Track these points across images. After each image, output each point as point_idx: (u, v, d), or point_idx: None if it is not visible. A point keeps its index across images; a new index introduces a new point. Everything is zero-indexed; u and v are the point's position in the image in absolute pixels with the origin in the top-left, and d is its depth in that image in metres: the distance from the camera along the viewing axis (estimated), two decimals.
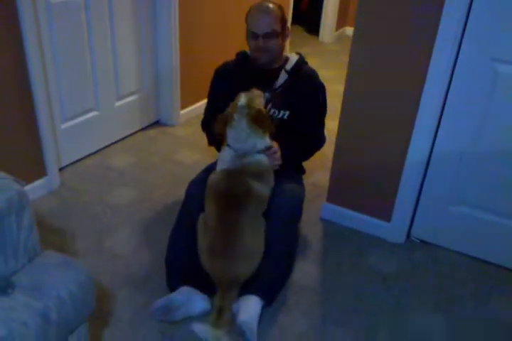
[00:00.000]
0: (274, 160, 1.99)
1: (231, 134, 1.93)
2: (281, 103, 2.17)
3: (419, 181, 2.31)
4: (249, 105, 1.90)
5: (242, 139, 1.91)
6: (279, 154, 2.00)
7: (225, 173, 1.93)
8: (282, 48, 2.21)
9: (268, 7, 2.12)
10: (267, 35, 2.09)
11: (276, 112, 2.17)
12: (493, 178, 2.17)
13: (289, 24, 2.23)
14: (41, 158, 2.58)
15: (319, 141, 2.30)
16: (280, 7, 2.16)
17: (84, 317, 1.46)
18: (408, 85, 2.13)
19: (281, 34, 2.15)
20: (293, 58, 2.22)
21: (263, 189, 1.93)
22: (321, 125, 2.29)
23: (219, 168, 1.97)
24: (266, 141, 1.95)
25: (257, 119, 1.89)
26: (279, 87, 2.18)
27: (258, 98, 1.99)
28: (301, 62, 2.22)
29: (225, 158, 1.96)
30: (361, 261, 2.31)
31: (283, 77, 2.19)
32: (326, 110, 2.27)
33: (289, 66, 2.19)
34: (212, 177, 1.95)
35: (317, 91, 2.22)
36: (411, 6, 2.00)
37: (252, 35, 2.13)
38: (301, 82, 2.19)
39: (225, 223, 1.85)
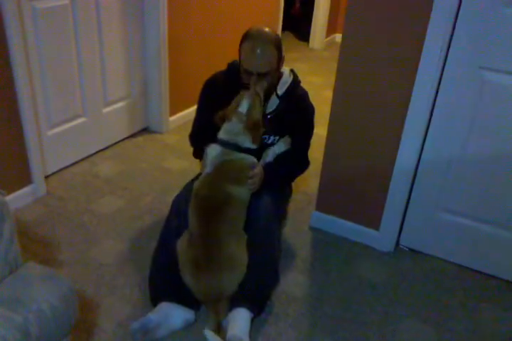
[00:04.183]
0: (250, 185, 1.95)
1: (225, 127, 1.96)
2: (272, 129, 2.11)
3: (408, 189, 2.30)
4: (249, 112, 1.93)
5: (234, 133, 1.93)
6: (257, 179, 1.95)
7: (206, 179, 1.92)
8: (276, 76, 2.10)
9: (264, 44, 1.96)
10: (262, 74, 1.99)
11: (267, 138, 2.13)
12: (481, 186, 2.17)
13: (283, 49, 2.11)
14: (27, 166, 2.54)
15: (304, 163, 2.25)
16: (277, 37, 2.03)
17: (67, 330, 1.43)
18: (396, 92, 2.13)
19: (277, 67, 2.04)
20: (285, 79, 2.12)
21: (242, 193, 1.92)
22: (307, 149, 2.23)
23: (203, 172, 1.95)
24: (253, 145, 1.97)
25: (251, 129, 1.93)
26: (270, 113, 2.12)
27: (258, 106, 1.97)
28: (294, 85, 2.13)
29: (207, 158, 1.95)
30: (350, 270, 2.29)
31: (274, 102, 2.11)
32: (312, 132, 2.22)
33: (280, 91, 2.10)
34: (196, 184, 1.94)
35: (306, 115, 2.16)
36: (398, 13, 2.00)
37: (245, 71, 2.01)
38: (292, 106, 2.12)
39: (207, 233, 1.83)
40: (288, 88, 2.12)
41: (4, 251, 1.34)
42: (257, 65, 1.97)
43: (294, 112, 2.13)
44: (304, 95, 2.18)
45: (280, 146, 2.11)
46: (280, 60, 2.05)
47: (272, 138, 2.13)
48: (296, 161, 2.18)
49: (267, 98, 2.10)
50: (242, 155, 1.94)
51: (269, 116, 2.12)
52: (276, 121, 2.12)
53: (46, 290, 1.36)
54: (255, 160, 1.99)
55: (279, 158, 2.12)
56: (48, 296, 1.34)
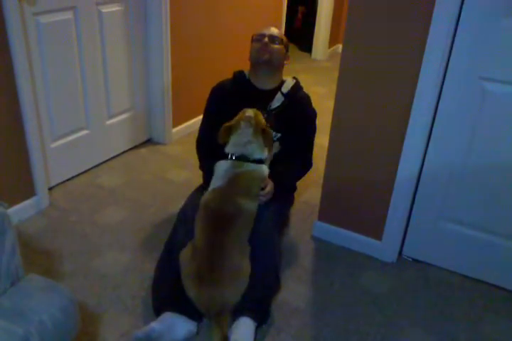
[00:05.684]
0: (261, 202, 2.03)
1: (233, 140, 1.98)
2: (275, 125, 2.19)
3: (410, 199, 2.29)
4: (256, 117, 1.98)
5: (242, 144, 1.96)
6: (267, 198, 2.04)
7: (216, 192, 1.93)
8: (282, 66, 2.27)
9: (275, 38, 2.21)
10: (272, 38, 2.19)
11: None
12: (484, 195, 2.16)
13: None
14: (30, 178, 2.55)
15: (307, 166, 2.33)
16: (284, 36, 2.28)
17: None
18: (397, 102, 2.13)
19: (282, 63, 2.27)
20: (289, 82, 2.27)
21: (252, 205, 1.94)
22: (310, 150, 2.31)
23: (212, 186, 1.97)
24: (264, 153, 2.00)
25: (262, 132, 1.97)
26: (275, 108, 2.20)
27: (261, 115, 2.05)
28: (297, 88, 2.27)
29: (218, 173, 1.97)
30: (353, 281, 2.28)
31: (279, 99, 2.22)
32: (314, 134, 2.31)
33: (285, 89, 2.24)
34: (205, 196, 1.95)
35: (309, 117, 2.27)
36: (398, 24, 2.02)
37: (256, 39, 2.22)
38: (296, 107, 2.22)
39: (213, 244, 1.83)
40: (292, 88, 2.25)
41: (6, 263, 1.34)
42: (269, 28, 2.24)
43: (297, 111, 2.23)
44: (307, 97, 2.30)
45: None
46: (285, 57, 2.27)
47: (274, 134, 2.19)
48: (299, 163, 2.27)
49: (271, 97, 2.22)
50: (253, 166, 1.96)
51: (274, 112, 2.20)
52: (281, 117, 2.21)
53: (48, 301, 1.36)
54: (267, 170, 2.02)
55: (283, 161, 2.17)
56: (50, 308, 1.34)
